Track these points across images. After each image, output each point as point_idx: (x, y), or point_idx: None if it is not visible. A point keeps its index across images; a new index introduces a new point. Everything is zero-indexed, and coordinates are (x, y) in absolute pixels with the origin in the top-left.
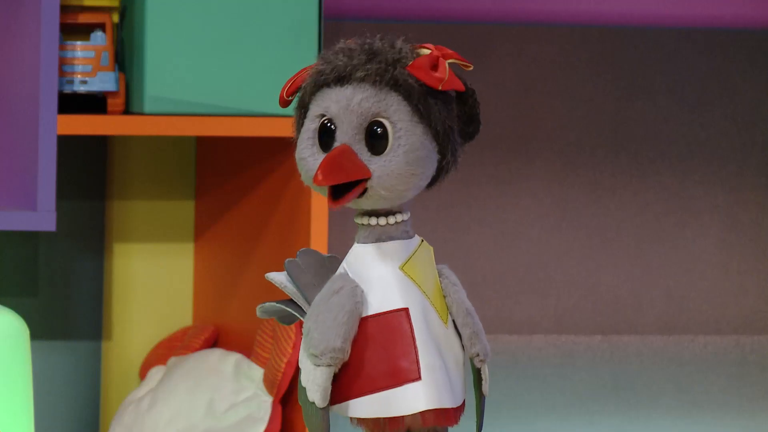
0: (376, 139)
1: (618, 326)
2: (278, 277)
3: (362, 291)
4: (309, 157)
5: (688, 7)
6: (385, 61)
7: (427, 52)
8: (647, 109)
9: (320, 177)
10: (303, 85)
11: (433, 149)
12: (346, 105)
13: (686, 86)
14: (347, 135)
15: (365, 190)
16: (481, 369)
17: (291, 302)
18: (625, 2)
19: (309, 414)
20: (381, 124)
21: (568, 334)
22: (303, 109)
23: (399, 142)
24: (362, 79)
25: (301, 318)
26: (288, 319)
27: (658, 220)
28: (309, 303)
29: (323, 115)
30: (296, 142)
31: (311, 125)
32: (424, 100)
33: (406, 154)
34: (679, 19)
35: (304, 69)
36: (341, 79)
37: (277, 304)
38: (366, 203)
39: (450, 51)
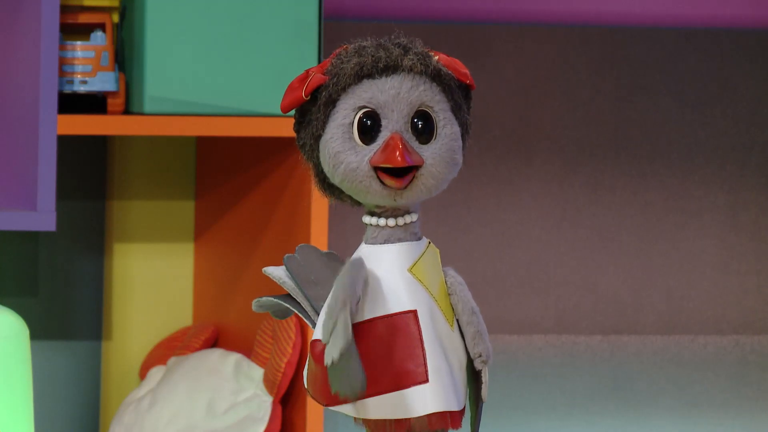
0: (423, 128)
1: (618, 326)
2: (276, 272)
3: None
4: (348, 150)
5: (688, 7)
6: (420, 53)
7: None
8: (647, 109)
9: (399, 159)
10: (331, 81)
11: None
12: (396, 93)
13: (686, 86)
14: (397, 124)
15: (410, 181)
16: (482, 371)
17: (287, 297)
18: (625, 2)
19: (342, 369)
20: (427, 114)
21: (568, 334)
22: (330, 106)
23: (444, 131)
24: (410, 69)
25: (297, 312)
26: (282, 314)
27: (658, 220)
28: (308, 300)
29: (363, 107)
30: (311, 142)
31: (344, 119)
32: (456, 93)
33: (450, 142)
34: (679, 19)
35: (309, 71)
36: (387, 69)
37: (274, 299)
38: (407, 195)
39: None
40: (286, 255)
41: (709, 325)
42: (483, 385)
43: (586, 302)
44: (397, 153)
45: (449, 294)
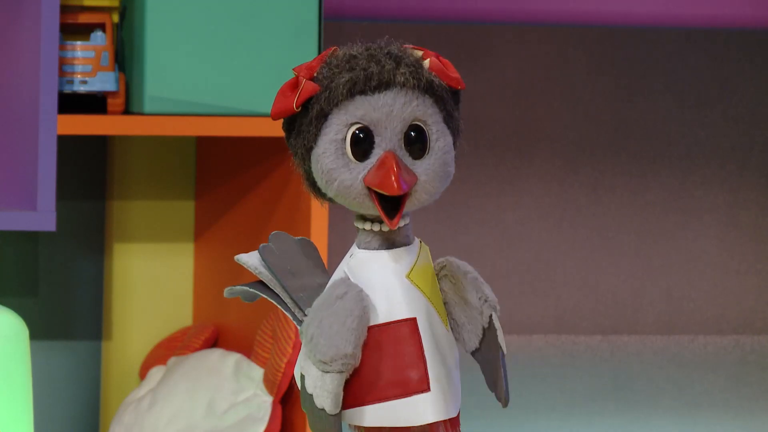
0: (417, 143)
1: (618, 326)
2: (251, 261)
3: (367, 296)
4: (341, 167)
5: (688, 7)
6: (412, 64)
7: (420, 53)
8: (647, 109)
9: (395, 186)
10: (323, 94)
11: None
12: (389, 111)
13: (686, 86)
14: (391, 141)
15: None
16: (492, 319)
17: (261, 285)
18: (625, 2)
19: (318, 420)
20: (420, 128)
21: (568, 334)
22: (322, 119)
23: (437, 144)
24: (402, 84)
25: (273, 302)
26: (251, 297)
27: (658, 220)
28: (286, 290)
29: (356, 123)
30: (303, 152)
31: (337, 135)
32: (449, 102)
33: (443, 156)
34: (679, 19)
35: (298, 74)
36: (380, 85)
37: (248, 288)
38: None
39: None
40: (262, 245)
41: (709, 325)
42: (498, 332)
43: (586, 302)
44: (393, 178)
45: (440, 269)
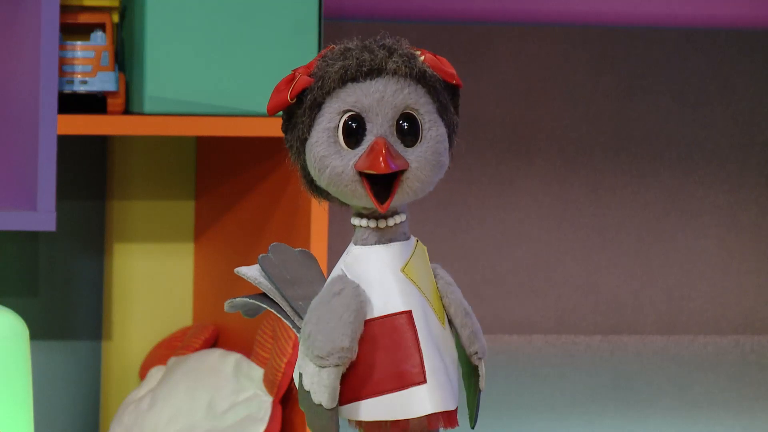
0: (408, 130)
1: (618, 326)
2: (251, 273)
3: (364, 291)
4: (333, 154)
5: (688, 7)
6: (405, 54)
7: (417, 52)
8: (647, 109)
9: (383, 165)
10: (316, 84)
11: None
12: (380, 97)
13: (686, 86)
14: (382, 128)
15: (393, 197)
16: (479, 366)
17: (262, 296)
18: (625, 2)
19: (316, 416)
20: (412, 116)
21: (568, 334)
22: (315, 109)
23: (429, 133)
24: (394, 72)
25: (274, 312)
26: (252, 312)
27: (658, 220)
28: (286, 299)
29: (348, 111)
30: (298, 144)
31: (329, 123)
32: (442, 94)
33: (436, 145)
34: (679, 19)
35: (296, 72)
36: (371, 72)
37: (248, 299)
38: (394, 199)
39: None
40: (261, 255)
41: (709, 325)
42: (480, 378)
43: (586, 302)
44: (381, 159)
45: (440, 297)
